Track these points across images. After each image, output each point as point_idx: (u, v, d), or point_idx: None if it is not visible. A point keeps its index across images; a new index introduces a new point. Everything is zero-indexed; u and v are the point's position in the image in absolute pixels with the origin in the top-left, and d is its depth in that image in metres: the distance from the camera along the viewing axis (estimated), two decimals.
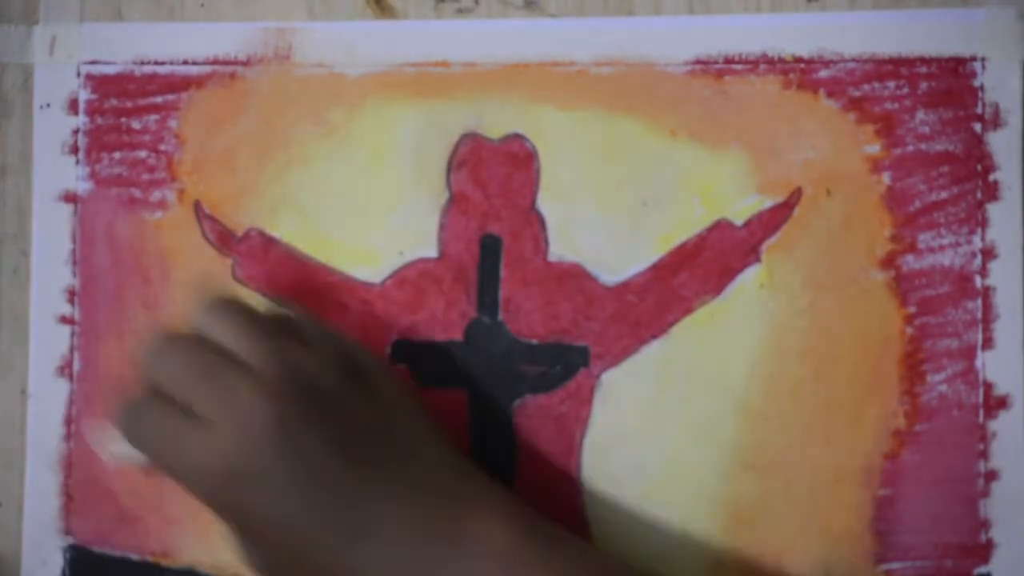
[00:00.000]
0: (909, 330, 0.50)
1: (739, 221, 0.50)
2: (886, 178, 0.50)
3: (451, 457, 0.47)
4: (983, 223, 0.49)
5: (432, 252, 0.51)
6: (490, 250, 0.51)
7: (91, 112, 0.53)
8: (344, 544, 0.44)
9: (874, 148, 0.50)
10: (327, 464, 0.43)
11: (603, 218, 0.51)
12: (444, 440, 0.48)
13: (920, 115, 0.50)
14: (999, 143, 0.49)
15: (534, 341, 0.51)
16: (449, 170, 0.52)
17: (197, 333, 0.45)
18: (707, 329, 0.50)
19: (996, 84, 0.49)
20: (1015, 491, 0.49)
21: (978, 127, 0.50)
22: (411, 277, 0.51)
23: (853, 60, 0.50)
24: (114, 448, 0.46)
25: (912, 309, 0.50)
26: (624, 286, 0.51)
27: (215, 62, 0.53)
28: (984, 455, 0.49)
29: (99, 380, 0.53)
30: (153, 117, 0.53)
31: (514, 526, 0.45)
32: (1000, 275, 0.49)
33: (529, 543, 0.45)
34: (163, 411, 0.44)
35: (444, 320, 0.51)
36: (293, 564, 0.45)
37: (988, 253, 0.49)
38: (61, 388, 0.53)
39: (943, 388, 0.49)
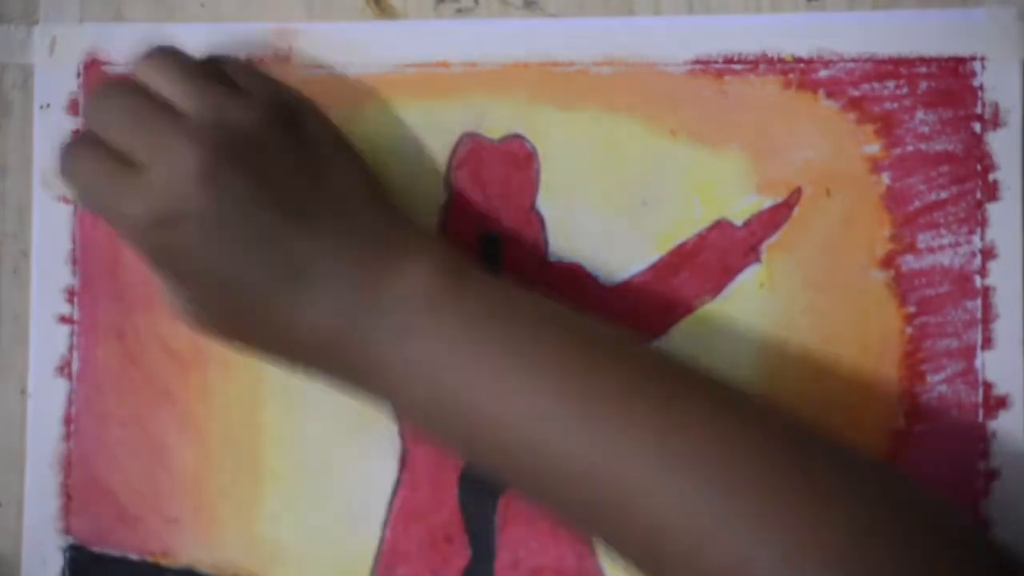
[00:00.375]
0: (909, 330, 0.49)
1: (739, 221, 0.50)
2: (886, 178, 0.50)
3: (384, 208, 0.47)
4: (983, 223, 0.49)
5: None
6: (490, 250, 0.51)
7: None
8: (275, 287, 0.44)
9: (874, 148, 0.50)
10: (256, 208, 0.44)
11: (603, 218, 0.51)
12: (379, 193, 0.47)
13: (920, 115, 0.50)
14: (999, 143, 0.49)
15: None
16: (449, 170, 0.52)
17: (135, 81, 0.46)
18: (707, 329, 0.50)
19: (996, 84, 0.49)
20: (1015, 491, 0.49)
21: (978, 127, 0.49)
22: None
23: (852, 60, 0.50)
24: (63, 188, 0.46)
25: (912, 309, 0.49)
26: (624, 286, 0.51)
27: None
28: (984, 455, 0.49)
29: (99, 380, 0.53)
30: None
31: (436, 267, 0.45)
32: (1000, 275, 0.49)
33: (448, 283, 0.44)
34: (99, 156, 0.45)
35: None
36: (225, 310, 0.45)
37: (988, 253, 0.49)
38: (61, 388, 0.53)
39: (943, 388, 0.49)
